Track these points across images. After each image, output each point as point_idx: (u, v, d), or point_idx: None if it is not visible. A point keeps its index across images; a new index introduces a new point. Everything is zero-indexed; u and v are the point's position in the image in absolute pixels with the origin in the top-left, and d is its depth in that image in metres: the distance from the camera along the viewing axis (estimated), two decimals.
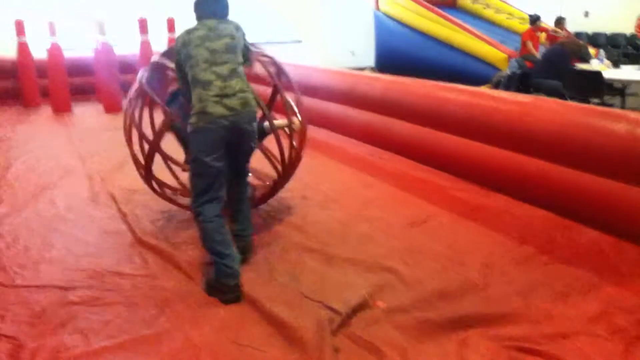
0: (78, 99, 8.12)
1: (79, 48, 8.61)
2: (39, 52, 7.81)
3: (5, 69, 7.87)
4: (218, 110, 2.55)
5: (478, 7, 11.21)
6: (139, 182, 4.22)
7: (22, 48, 7.77)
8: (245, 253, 2.83)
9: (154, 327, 2.28)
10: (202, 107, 2.55)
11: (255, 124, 2.76)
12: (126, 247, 3.10)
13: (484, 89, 5.23)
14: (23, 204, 3.79)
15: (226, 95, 2.58)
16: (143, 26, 8.14)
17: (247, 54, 2.90)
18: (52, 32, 7.64)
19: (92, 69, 7.93)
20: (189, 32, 2.70)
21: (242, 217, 2.92)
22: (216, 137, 2.56)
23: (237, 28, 2.82)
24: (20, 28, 7.69)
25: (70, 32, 8.86)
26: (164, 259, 2.91)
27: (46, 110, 7.67)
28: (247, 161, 2.88)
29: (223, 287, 2.52)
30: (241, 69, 2.71)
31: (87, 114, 7.57)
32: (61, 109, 7.60)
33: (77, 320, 2.34)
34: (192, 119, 2.58)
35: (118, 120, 6.10)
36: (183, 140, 3.36)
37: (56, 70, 7.63)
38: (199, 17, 2.77)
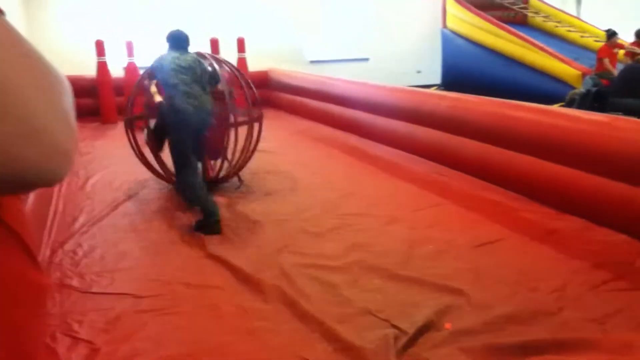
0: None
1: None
2: (117, 71, 8.22)
3: (86, 87, 8.30)
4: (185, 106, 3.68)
5: (550, 25, 10.92)
6: None
7: (102, 67, 8.20)
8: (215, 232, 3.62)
9: (220, 338, 2.33)
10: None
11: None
12: (195, 258, 3.19)
13: (556, 108, 5.07)
14: (100, 215, 3.97)
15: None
16: (215, 46, 8.43)
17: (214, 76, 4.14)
18: (130, 52, 8.03)
19: None
20: (162, 57, 3.93)
21: None
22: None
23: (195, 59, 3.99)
24: (100, 48, 8.12)
25: (146, 51, 9.28)
26: (230, 271, 2.97)
27: (122, 127, 8.01)
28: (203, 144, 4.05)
29: (208, 223, 3.54)
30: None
31: None
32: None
33: (148, 328, 2.42)
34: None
35: None
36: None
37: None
38: (170, 48, 4.03)
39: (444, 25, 11.06)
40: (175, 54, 3.91)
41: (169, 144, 3.92)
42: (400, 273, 2.89)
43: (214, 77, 4.14)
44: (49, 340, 2.28)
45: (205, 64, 4.12)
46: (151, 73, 4.08)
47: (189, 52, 4.06)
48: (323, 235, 3.48)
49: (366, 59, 12.61)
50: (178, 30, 4.13)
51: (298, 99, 8.66)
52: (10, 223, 0.56)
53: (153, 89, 4.04)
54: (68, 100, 0.53)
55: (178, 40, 4.05)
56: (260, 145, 6.35)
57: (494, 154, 4.46)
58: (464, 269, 2.94)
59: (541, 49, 9.05)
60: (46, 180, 0.50)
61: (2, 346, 0.54)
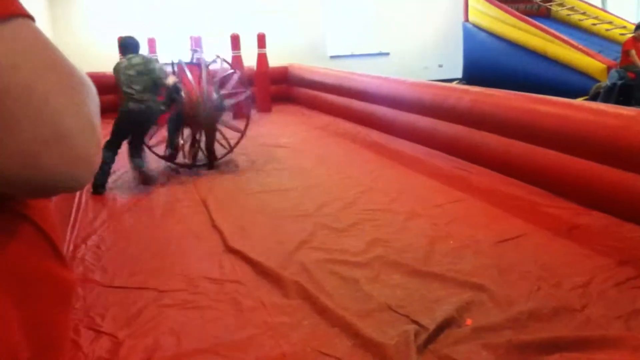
0: None
1: None
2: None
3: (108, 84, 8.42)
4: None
5: (574, 18, 10.72)
6: (228, 191, 4.38)
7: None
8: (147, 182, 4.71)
9: (241, 333, 2.34)
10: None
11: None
12: (216, 253, 3.21)
13: (581, 102, 4.98)
14: (122, 210, 4.02)
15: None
16: (235, 42, 8.46)
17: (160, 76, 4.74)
18: (152, 49, 8.16)
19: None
20: (120, 62, 4.75)
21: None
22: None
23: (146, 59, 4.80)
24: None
25: (168, 47, 9.39)
26: (250, 266, 2.99)
27: None
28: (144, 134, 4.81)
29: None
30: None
31: None
32: None
33: (170, 322, 2.44)
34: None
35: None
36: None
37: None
38: (123, 53, 4.87)
39: (466, 19, 10.93)
40: (126, 62, 4.70)
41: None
42: (421, 269, 2.87)
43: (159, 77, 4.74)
44: (72, 333, 2.32)
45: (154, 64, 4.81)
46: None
47: (138, 55, 4.80)
48: (344, 230, 3.47)
49: (387, 54, 12.55)
50: (127, 37, 4.92)
51: (318, 94, 8.65)
52: (37, 220, 0.57)
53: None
54: (93, 104, 0.53)
55: (127, 47, 4.84)
56: (280, 141, 6.39)
57: (517, 149, 4.40)
58: (485, 264, 2.91)
59: (565, 42, 8.89)
60: (69, 186, 0.50)
61: (30, 341, 0.54)
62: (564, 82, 8.56)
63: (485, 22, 10.41)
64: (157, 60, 5.28)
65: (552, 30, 9.22)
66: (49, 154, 0.46)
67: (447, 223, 3.55)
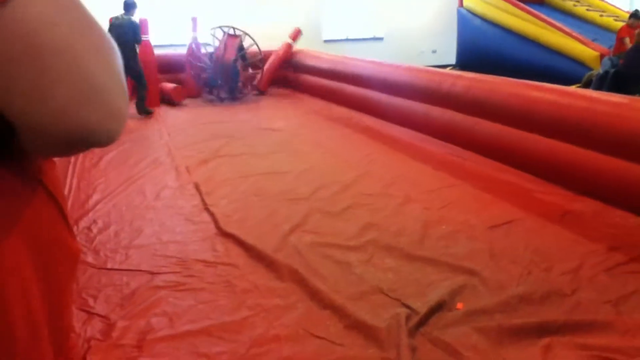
0: None
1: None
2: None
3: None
4: None
5: (568, 4, 10.71)
6: (222, 174, 4.37)
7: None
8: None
9: (235, 315, 2.35)
10: None
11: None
12: (210, 236, 3.21)
13: (574, 89, 4.99)
14: (114, 193, 4.00)
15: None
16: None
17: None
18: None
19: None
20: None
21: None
22: None
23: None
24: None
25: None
26: (244, 249, 2.99)
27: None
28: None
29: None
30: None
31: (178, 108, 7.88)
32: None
33: (163, 304, 2.44)
34: None
35: (198, 113, 6.29)
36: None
37: None
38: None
39: (461, 5, 10.90)
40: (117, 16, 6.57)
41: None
42: (414, 253, 2.89)
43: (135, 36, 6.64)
44: None
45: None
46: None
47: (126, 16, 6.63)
48: (338, 214, 3.48)
49: (380, 39, 12.50)
50: None
51: (313, 78, 8.62)
52: (49, 186, 0.59)
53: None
54: (119, 63, 0.55)
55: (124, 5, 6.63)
56: (274, 124, 6.38)
57: (510, 135, 4.41)
58: (478, 249, 2.93)
59: (559, 29, 8.91)
60: (102, 140, 0.52)
61: (45, 304, 0.57)
62: (558, 69, 8.58)
63: (479, 8, 10.39)
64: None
65: (546, 17, 9.23)
66: (86, 108, 0.49)
67: (441, 208, 3.56)
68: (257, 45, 8.11)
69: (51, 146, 0.52)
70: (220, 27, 8.25)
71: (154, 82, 7.60)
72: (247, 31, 8.17)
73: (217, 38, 8.27)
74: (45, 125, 0.48)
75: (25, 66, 0.45)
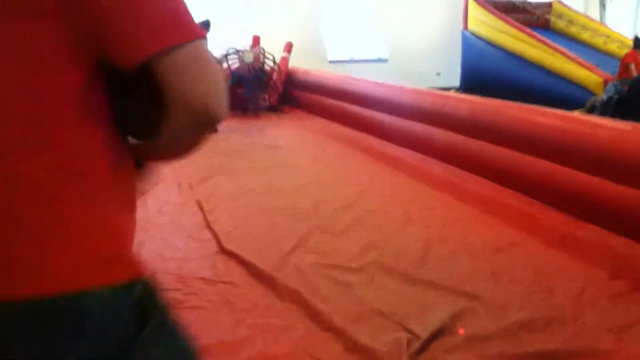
0: None
1: None
2: None
3: None
4: None
5: (573, 30, 10.79)
6: (224, 191, 4.38)
7: None
8: None
9: (234, 334, 2.34)
10: None
11: None
12: (210, 254, 3.20)
13: (577, 114, 5.01)
14: None
15: None
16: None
17: None
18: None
19: None
20: None
21: None
22: None
23: None
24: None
25: None
26: (245, 268, 2.98)
27: None
28: None
29: None
30: None
31: None
32: None
33: None
34: None
35: None
36: None
37: None
38: None
39: (465, 27, 10.98)
40: None
41: None
42: (415, 275, 2.88)
43: None
44: None
45: None
46: None
47: None
48: (338, 233, 3.47)
49: (385, 60, 12.58)
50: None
51: (316, 97, 8.67)
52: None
53: None
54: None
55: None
56: (277, 142, 6.40)
57: (512, 159, 4.42)
58: (479, 272, 2.92)
59: (563, 54, 8.96)
60: (217, 120, 0.79)
61: None
62: (561, 93, 8.61)
63: (484, 31, 10.46)
64: None
65: (550, 42, 9.29)
66: (215, 101, 0.78)
67: (441, 229, 3.55)
68: (274, 61, 8.62)
69: (190, 123, 0.79)
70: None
71: None
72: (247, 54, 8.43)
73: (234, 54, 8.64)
74: (194, 107, 0.76)
75: (203, 71, 0.76)
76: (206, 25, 7.07)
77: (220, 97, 0.78)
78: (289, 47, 9.47)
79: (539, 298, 2.64)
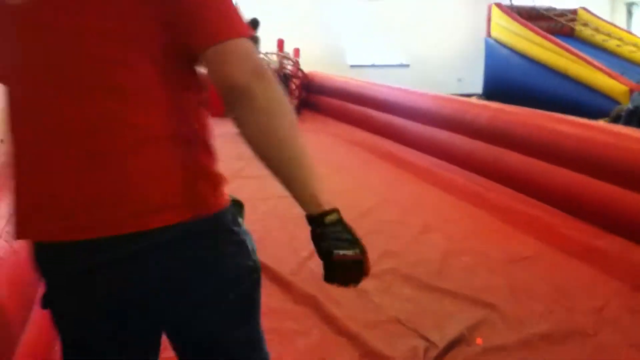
0: None
1: None
2: None
3: None
4: None
5: (598, 38, 10.65)
6: (244, 196, 4.38)
7: None
8: None
9: None
10: None
11: None
12: None
13: (601, 123, 4.94)
14: None
15: None
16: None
17: None
18: None
19: None
20: None
21: None
22: None
23: None
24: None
25: None
26: (262, 271, 2.96)
27: None
28: None
29: None
30: None
31: None
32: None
33: None
34: None
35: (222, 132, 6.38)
36: None
37: None
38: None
39: (488, 34, 10.89)
40: None
41: None
42: (433, 283, 2.85)
43: None
44: None
45: None
46: None
47: None
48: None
49: (407, 65, 12.55)
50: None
51: (336, 102, 8.67)
52: None
53: None
54: None
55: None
56: None
57: (534, 167, 4.36)
58: (498, 283, 2.88)
59: (588, 62, 8.84)
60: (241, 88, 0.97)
61: None
62: (586, 102, 8.49)
63: (507, 39, 10.37)
64: None
65: (575, 50, 9.17)
66: (254, 80, 0.95)
67: (461, 238, 3.52)
68: (300, 67, 8.71)
69: (230, 89, 0.95)
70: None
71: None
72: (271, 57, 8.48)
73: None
74: (238, 78, 0.93)
75: (242, 57, 0.95)
76: (254, 23, 7.37)
77: (254, 73, 0.95)
78: (297, 53, 9.53)
79: (559, 310, 2.59)
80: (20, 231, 1.02)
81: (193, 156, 1.04)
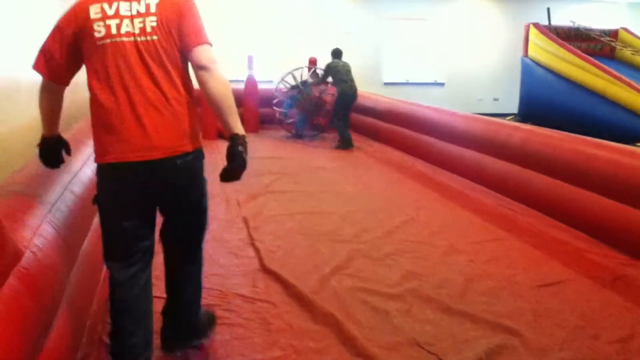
0: None
1: None
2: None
3: None
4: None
5: (639, 59, 10.41)
6: (270, 211, 4.43)
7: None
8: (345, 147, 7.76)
9: (267, 354, 2.36)
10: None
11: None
12: (251, 271, 3.25)
13: (636, 148, 4.83)
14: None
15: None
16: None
17: None
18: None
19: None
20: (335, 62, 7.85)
21: None
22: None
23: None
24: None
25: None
26: (283, 287, 3.01)
27: None
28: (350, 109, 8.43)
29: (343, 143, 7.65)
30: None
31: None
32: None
33: None
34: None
35: (254, 147, 6.43)
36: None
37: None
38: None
39: (525, 54, 10.76)
40: (341, 62, 7.83)
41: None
42: (455, 306, 2.82)
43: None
44: (96, 342, 2.39)
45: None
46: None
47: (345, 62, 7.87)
48: (380, 259, 3.46)
49: (442, 84, 12.50)
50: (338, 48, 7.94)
51: (366, 119, 8.70)
52: None
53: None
54: None
55: (339, 54, 7.93)
56: (325, 164, 6.46)
57: (565, 191, 4.29)
58: (522, 308, 2.84)
59: (628, 84, 8.64)
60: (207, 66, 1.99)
61: None
62: (624, 125, 8.31)
63: (544, 59, 10.22)
64: None
65: (614, 71, 8.98)
66: (211, 65, 1.98)
67: (486, 261, 3.48)
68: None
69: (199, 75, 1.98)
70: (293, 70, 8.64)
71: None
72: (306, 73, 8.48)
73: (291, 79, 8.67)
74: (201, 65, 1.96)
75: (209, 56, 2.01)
76: (337, 53, 7.94)
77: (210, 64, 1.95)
78: (314, 61, 9.31)
79: (583, 339, 2.54)
80: (104, 157, 1.93)
81: (193, 111, 2.01)
